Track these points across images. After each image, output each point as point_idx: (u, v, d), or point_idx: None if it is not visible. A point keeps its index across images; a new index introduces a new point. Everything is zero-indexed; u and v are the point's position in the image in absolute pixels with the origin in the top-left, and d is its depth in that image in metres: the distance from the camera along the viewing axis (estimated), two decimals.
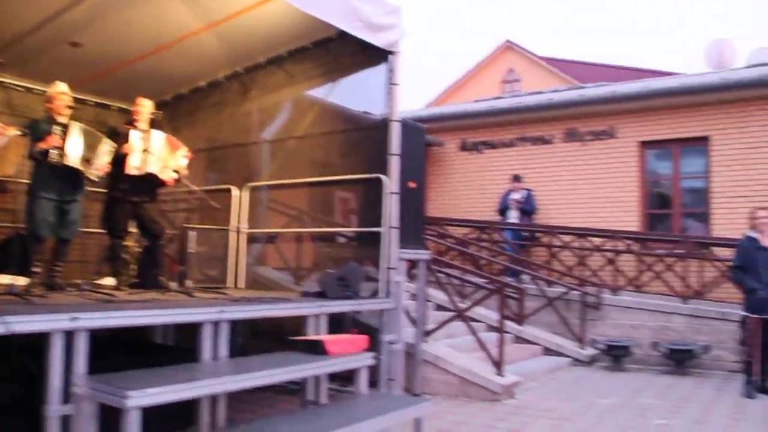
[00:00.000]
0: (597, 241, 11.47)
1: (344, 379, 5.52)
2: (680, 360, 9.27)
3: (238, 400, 5.25)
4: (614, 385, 8.36)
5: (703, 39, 38.28)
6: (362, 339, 5.41)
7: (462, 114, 13.83)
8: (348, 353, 5.14)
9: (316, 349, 4.96)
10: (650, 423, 6.50)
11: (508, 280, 10.47)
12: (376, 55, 6.75)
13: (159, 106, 7.23)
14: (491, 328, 9.03)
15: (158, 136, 6.61)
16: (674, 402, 7.49)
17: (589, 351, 9.93)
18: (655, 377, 9.01)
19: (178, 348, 6.79)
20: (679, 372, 9.22)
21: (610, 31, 54.58)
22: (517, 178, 12.27)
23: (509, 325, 9.42)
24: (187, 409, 4.29)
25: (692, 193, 12.05)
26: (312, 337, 5.36)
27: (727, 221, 10.87)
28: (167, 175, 6.61)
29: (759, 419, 6.75)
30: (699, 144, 11.64)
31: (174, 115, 8.74)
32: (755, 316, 7.78)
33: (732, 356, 9.19)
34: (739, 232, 8.68)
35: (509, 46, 27.24)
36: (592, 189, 12.13)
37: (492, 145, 13.24)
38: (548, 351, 9.89)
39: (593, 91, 13.25)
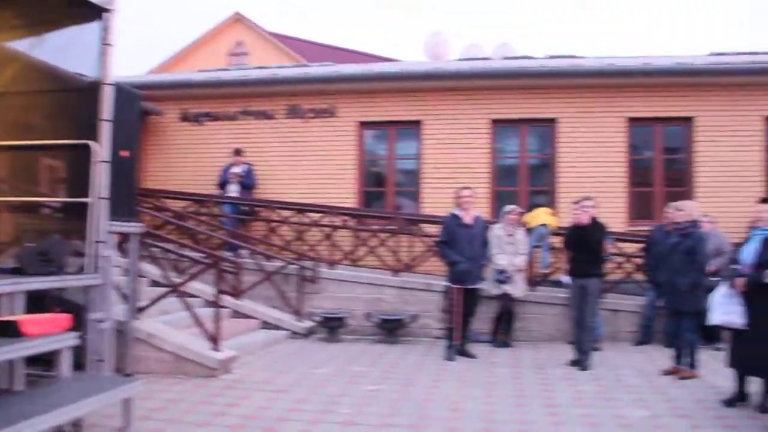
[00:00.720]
0: (315, 216, 11.72)
1: (48, 362, 5.03)
2: (391, 329, 9.81)
3: None
4: (330, 356, 8.62)
5: (424, 31, 40.87)
6: (64, 318, 4.96)
7: (184, 83, 13.33)
8: (48, 334, 4.69)
9: (9, 330, 4.45)
10: (362, 389, 6.79)
11: (227, 254, 10.32)
12: (88, 11, 6.16)
13: None
14: (209, 303, 8.82)
15: None
16: (385, 368, 7.90)
17: (307, 323, 10.14)
18: (369, 346, 9.45)
19: None
20: (390, 340, 9.74)
21: (344, 15, 55.81)
22: (238, 152, 12.09)
23: (227, 299, 9.30)
24: None
25: (405, 173, 12.78)
26: (5, 317, 4.80)
27: (435, 200, 11.72)
28: None
29: (457, 378, 7.38)
30: (412, 127, 12.35)
31: None
32: (457, 286, 8.48)
33: (436, 324, 9.92)
34: (445, 210, 9.36)
35: (239, 19, 26.85)
36: (312, 165, 12.35)
37: (214, 117, 12.91)
38: (267, 325, 9.92)
39: (317, 69, 13.50)
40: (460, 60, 15.44)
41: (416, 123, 12.28)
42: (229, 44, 26.56)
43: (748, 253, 6.16)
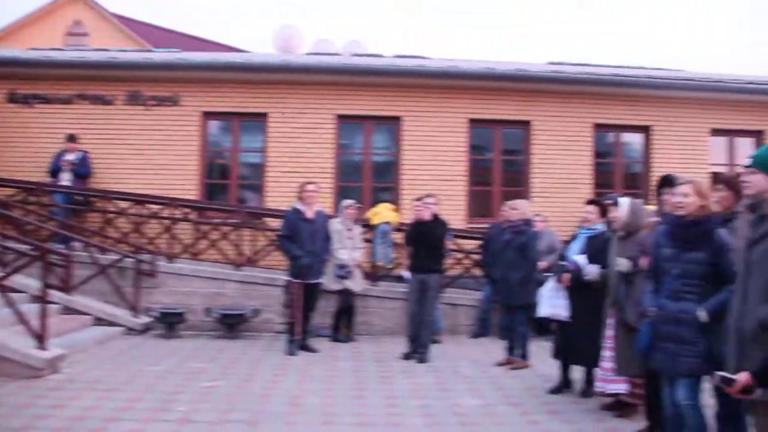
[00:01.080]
0: (155, 207, 11.27)
1: None
2: (232, 324, 9.65)
3: None
4: (167, 352, 8.38)
5: (275, 23, 40.44)
6: None
7: (12, 61, 12.36)
8: None
9: None
10: (199, 385, 6.66)
11: (58, 246, 9.76)
12: None
13: None
14: (35, 298, 8.31)
15: None
16: (224, 364, 7.79)
17: (144, 319, 9.77)
18: (208, 342, 9.25)
19: None
20: (230, 336, 9.58)
21: (195, 2, 53.85)
22: (71, 138, 11.36)
23: (57, 294, 8.84)
24: None
25: (250, 166, 12.58)
26: None
27: (279, 194, 11.57)
28: None
29: (297, 373, 7.40)
30: (258, 120, 12.16)
31: None
32: (298, 281, 8.46)
33: (278, 318, 9.85)
34: (290, 204, 9.30)
35: None
36: (152, 155, 11.81)
37: (46, 100, 12.08)
38: (100, 321, 9.47)
39: (161, 56, 13.02)
40: (308, 54, 15.42)
41: (262, 115, 12.10)
42: (66, 22, 25.09)
43: (574, 251, 6.56)
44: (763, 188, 3.73)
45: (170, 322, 9.58)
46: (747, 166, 3.90)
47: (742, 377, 2.46)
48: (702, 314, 4.12)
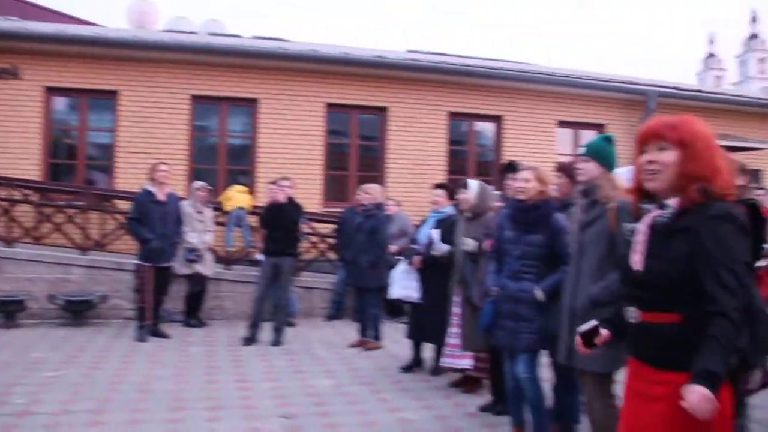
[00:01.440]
0: None
1: None
2: (78, 311, 9.24)
3: None
4: (4, 343, 7.93)
5: None
6: None
7: None
8: None
9: None
10: (40, 376, 6.38)
11: None
12: None
13: None
14: None
15: None
16: (69, 353, 7.48)
17: None
18: (52, 330, 8.83)
19: None
20: (76, 323, 9.18)
21: None
22: None
23: None
24: None
25: (98, 146, 12.00)
26: None
27: (130, 175, 11.12)
28: None
29: (147, 359, 7.24)
30: (108, 97, 11.61)
31: None
32: (148, 264, 8.23)
33: (128, 304, 9.51)
34: (140, 185, 8.99)
35: None
36: None
37: None
38: None
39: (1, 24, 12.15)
40: (163, 31, 14.92)
41: (112, 93, 11.56)
42: None
43: (424, 234, 6.76)
44: (595, 175, 4.01)
45: (9, 311, 9.03)
46: (581, 155, 4.17)
47: (606, 331, 2.74)
48: (539, 293, 4.37)
